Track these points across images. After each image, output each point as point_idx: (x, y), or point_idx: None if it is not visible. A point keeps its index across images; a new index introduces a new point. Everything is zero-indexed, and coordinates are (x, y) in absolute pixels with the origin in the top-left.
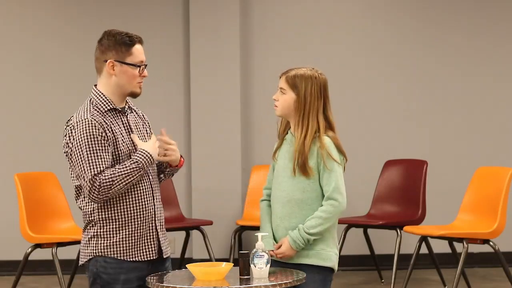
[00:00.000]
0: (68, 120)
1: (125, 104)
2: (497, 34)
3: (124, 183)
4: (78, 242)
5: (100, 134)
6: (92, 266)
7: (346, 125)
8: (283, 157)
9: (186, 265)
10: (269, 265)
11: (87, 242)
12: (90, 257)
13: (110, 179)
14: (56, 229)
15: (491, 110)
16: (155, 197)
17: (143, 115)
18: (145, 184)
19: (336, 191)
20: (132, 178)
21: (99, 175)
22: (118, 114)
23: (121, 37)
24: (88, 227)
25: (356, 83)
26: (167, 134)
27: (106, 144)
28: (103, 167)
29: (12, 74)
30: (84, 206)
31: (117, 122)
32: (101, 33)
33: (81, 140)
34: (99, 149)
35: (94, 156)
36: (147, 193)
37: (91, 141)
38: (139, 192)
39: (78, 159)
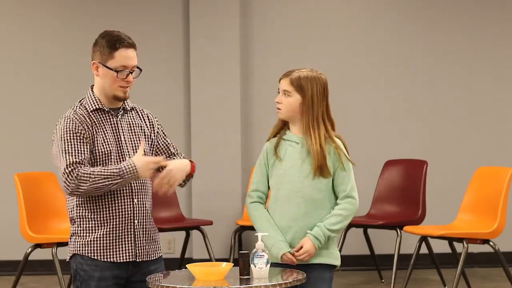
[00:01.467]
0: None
1: (121, 105)
2: (497, 34)
3: (100, 184)
4: None
5: (79, 130)
6: (73, 263)
7: (346, 125)
8: (292, 158)
9: (186, 265)
10: (269, 265)
11: (69, 240)
12: (71, 254)
13: (88, 175)
14: (56, 229)
15: (491, 110)
16: (135, 199)
17: (148, 115)
18: (125, 186)
19: (353, 190)
20: (109, 182)
21: (77, 166)
22: (105, 114)
23: (108, 39)
24: (71, 225)
25: (356, 83)
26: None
27: (84, 141)
28: (80, 158)
29: (12, 74)
30: (67, 203)
31: (102, 122)
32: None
33: (61, 135)
34: (77, 143)
35: (71, 147)
36: (125, 194)
37: (68, 135)
38: (116, 193)
39: (58, 152)
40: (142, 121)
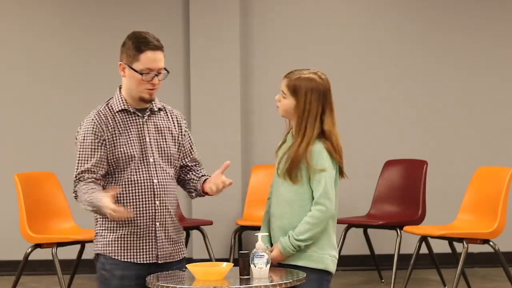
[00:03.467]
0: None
1: (148, 106)
2: (497, 35)
3: (82, 203)
4: (78, 242)
5: (98, 131)
6: (96, 263)
7: (346, 125)
8: (279, 158)
9: (186, 265)
10: (269, 265)
11: (94, 239)
12: (94, 253)
13: (80, 192)
14: (56, 229)
15: (491, 110)
16: (157, 201)
17: (177, 116)
18: (147, 187)
19: (323, 197)
20: (86, 206)
21: (83, 175)
22: (131, 116)
23: (134, 41)
24: (95, 224)
25: (356, 83)
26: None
27: (100, 144)
28: (87, 166)
29: (12, 74)
30: None
31: (127, 123)
32: (101, 33)
33: (80, 137)
34: (92, 147)
35: (84, 154)
36: (147, 196)
37: (85, 138)
38: (139, 194)
39: (77, 154)
40: (170, 122)
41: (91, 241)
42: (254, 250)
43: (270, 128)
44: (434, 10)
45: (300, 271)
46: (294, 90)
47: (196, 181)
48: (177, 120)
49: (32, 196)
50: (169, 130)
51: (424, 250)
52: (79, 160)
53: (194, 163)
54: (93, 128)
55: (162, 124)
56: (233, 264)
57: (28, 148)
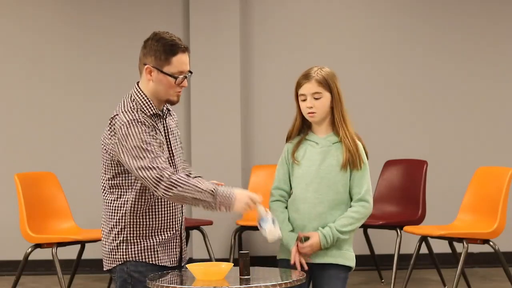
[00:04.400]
0: (114, 117)
1: (164, 107)
2: (497, 35)
3: (189, 194)
4: (78, 242)
5: (154, 134)
6: (120, 269)
7: None
8: (311, 159)
9: (186, 265)
10: (277, 225)
11: (116, 247)
12: (121, 262)
13: (183, 183)
14: (56, 229)
15: (491, 110)
16: (182, 207)
17: (174, 115)
18: None
19: (368, 193)
20: (197, 197)
21: (167, 170)
22: (159, 119)
23: (164, 43)
24: (116, 232)
25: (356, 83)
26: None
27: (159, 143)
28: (165, 163)
29: (12, 74)
30: (115, 206)
31: (159, 127)
32: (101, 32)
33: (139, 140)
34: (156, 148)
35: (154, 154)
36: (176, 204)
37: (148, 141)
38: (169, 202)
39: (138, 158)
40: (175, 122)
41: (91, 241)
42: (258, 216)
43: (270, 128)
44: (435, 10)
45: (300, 271)
46: (327, 83)
47: None
48: (174, 117)
49: (32, 196)
50: (177, 130)
51: (424, 250)
52: (154, 158)
53: (184, 164)
54: (150, 130)
55: (173, 124)
56: (233, 264)
57: (28, 148)
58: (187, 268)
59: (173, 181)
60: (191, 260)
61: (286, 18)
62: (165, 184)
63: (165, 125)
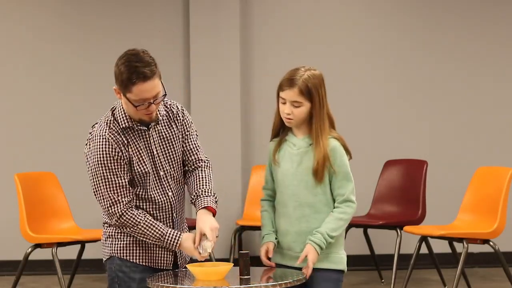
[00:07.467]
0: (92, 126)
1: (154, 117)
2: (498, 35)
3: (140, 234)
4: (78, 242)
5: (116, 153)
6: (110, 265)
7: (346, 125)
8: (289, 160)
9: (186, 265)
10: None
11: (105, 241)
12: (108, 256)
13: (134, 223)
14: (56, 229)
15: (491, 110)
16: (174, 214)
17: (179, 114)
18: (163, 202)
19: (352, 193)
20: (147, 237)
21: (122, 206)
22: (137, 132)
23: (125, 71)
24: (106, 226)
25: (356, 83)
26: None
27: (121, 164)
28: (122, 195)
29: (12, 74)
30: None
31: (135, 139)
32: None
33: (97, 160)
34: (117, 172)
35: (111, 180)
36: (165, 211)
37: (106, 161)
38: (157, 210)
39: (96, 181)
40: (173, 125)
41: (91, 241)
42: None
43: (270, 128)
44: (435, 10)
45: (300, 271)
46: (309, 92)
47: (195, 198)
48: (182, 116)
49: (32, 196)
50: (174, 135)
51: (424, 250)
52: (108, 189)
53: (197, 164)
54: (110, 149)
55: (166, 130)
56: (233, 264)
57: (28, 148)
58: (187, 268)
59: (125, 221)
60: (191, 260)
61: (286, 18)
62: (116, 221)
63: (147, 136)
